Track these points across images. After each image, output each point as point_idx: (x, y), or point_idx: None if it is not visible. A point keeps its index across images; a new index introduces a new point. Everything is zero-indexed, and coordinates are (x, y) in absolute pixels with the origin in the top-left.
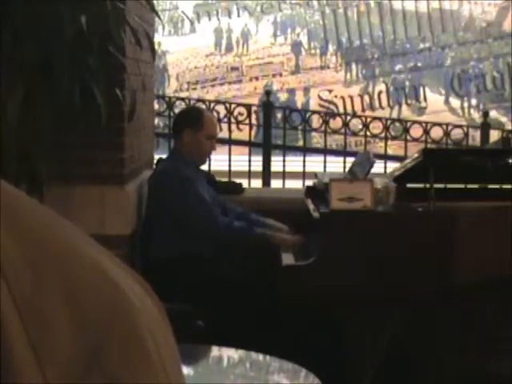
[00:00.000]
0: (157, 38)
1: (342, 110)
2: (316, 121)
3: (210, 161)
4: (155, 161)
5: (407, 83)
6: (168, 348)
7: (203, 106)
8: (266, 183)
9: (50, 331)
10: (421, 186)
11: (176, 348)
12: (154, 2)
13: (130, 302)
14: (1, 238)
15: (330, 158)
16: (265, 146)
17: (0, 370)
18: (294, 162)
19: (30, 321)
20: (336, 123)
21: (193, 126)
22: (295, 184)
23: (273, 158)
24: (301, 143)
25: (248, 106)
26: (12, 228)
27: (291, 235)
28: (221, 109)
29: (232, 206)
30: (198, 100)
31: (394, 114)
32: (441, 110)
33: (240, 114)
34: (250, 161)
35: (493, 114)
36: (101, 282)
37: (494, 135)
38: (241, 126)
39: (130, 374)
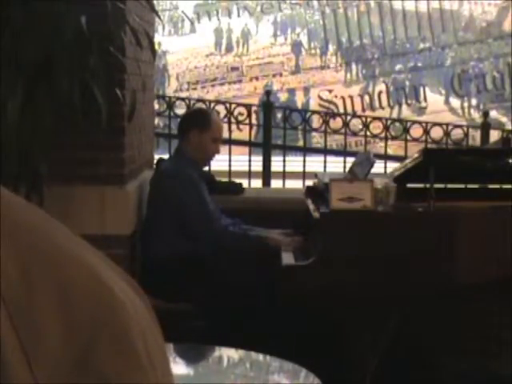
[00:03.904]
0: (157, 38)
1: (342, 110)
2: (316, 121)
3: (211, 162)
4: (155, 161)
5: (407, 83)
6: (157, 348)
7: (203, 106)
8: (266, 183)
9: (41, 333)
10: (421, 185)
11: (164, 347)
12: (154, 2)
13: (120, 303)
14: None
15: (330, 158)
16: (265, 146)
17: None
18: (294, 162)
19: (20, 323)
20: (336, 123)
21: (200, 126)
22: (295, 184)
23: (273, 158)
24: (301, 143)
25: (248, 106)
26: (2, 229)
27: (286, 237)
28: (221, 109)
29: (223, 216)
30: (198, 100)
31: (394, 114)
32: (441, 109)
33: (240, 114)
34: (250, 161)
35: (493, 114)
36: (92, 284)
37: (494, 135)
38: (241, 126)
39: (120, 374)
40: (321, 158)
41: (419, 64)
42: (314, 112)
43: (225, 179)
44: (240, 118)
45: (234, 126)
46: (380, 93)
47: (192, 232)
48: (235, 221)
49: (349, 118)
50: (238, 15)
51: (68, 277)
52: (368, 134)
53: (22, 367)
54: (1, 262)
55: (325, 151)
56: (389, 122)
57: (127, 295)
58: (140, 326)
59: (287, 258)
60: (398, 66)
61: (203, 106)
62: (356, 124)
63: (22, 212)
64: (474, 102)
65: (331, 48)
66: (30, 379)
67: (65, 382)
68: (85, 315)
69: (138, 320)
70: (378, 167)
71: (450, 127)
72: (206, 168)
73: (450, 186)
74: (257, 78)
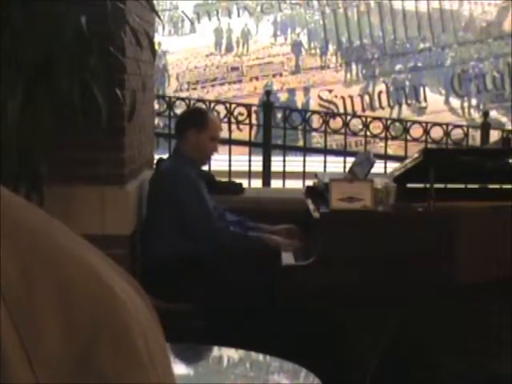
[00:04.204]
0: (157, 38)
1: (342, 110)
2: (316, 121)
3: (210, 161)
4: (155, 161)
5: (407, 83)
6: (159, 348)
7: (203, 106)
8: (266, 183)
9: (41, 332)
10: (421, 185)
11: (166, 347)
12: (154, 2)
13: (121, 302)
14: None
15: (330, 158)
16: (265, 146)
17: None
18: (294, 162)
19: (20, 321)
20: (336, 123)
21: (197, 125)
22: (295, 184)
23: (273, 158)
24: (301, 143)
25: (248, 106)
26: (2, 229)
27: (286, 240)
28: (221, 109)
29: (228, 213)
30: (198, 100)
31: (394, 114)
32: (441, 109)
33: (240, 114)
34: (250, 161)
35: (493, 114)
36: (93, 283)
37: (494, 135)
38: (241, 126)
39: (121, 374)
40: (321, 158)
41: (419, 64)
42: (314, 112)
43: (225, 179)
44: (240, 118)
45: (234, 126)
46: (380, 93)
47: (192, 231)
48: (240, 218)
49: (349, 117)
50: (238, 15)
51: (68, 276)
52: (368, 133)
53: (23, 366)
54: (1, 261)
55: (325, 151)
56: (389, 122)
57: (128, 295)
58: (141, 326)
59: (287, 258)
60: (398, 66)
61: (203, 106)
62: (356, 124)
63: (23, 212)
64: (474, 102)
65: (331, 48)
66: (31, 378)
67: (65, 381)
68: (85, 315)
69: (139, 320)
70: (378, 167)
71: (450, 127)
72: (206, 168)
73: (450, 186)
74: (257, 78)
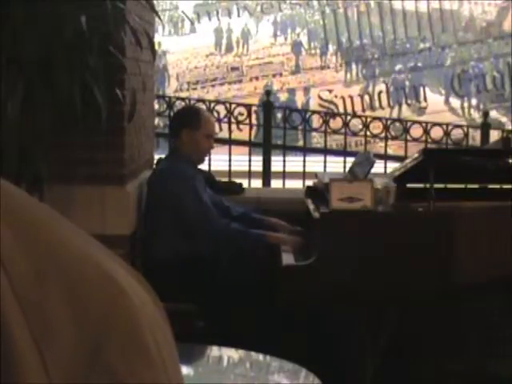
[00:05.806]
0: (157, 38)
1: (342, 110)
2: (316, 121)
3: (209, 161)
4: (155, 161)
5: (407, 83)
6: (167, 345)
7: (203, 106)
8: (266, 183)
9: (52, 326)
10: (421, 185)
11: (174, 345)
12: (154, 2)
13: (129, 299)
14: (0, 232)
15: (330, 158)
16: (265, 146)
17: (1, 361)
18: (294, 162)
19: (31, 314)
20: (336, 123)
21: (191, 125)
22: (295, 184)
23: (273, 158)
24: (301, 143)
25: (248, 106)
26: (12, 222)
27: (289, 236)
28: (221, 109)
29: (233, 205)
30: (198, 100)
31: (394, 114)
32: (441, 110)
33: (240, 114)
34: (250, 161)
35: (493, 114)
36: (101, 279)
37: (494, 135)
38: (241, 126)
39: (131, 371)
40: (321, 157)
41: (419, 64)
42: (314, 112)
43: (225, 179)
44: (240, 118)
45: (234, 126)
46: (380, 93)
47: (191, 231)
48: (247, 209)
49: (349, 117)
50: (238, 15)
51: (79, 274)
52: (368, 133)
53: (37, 365)
54: (12, 255)
55: (325, 151)
56: (389, 122)
57: (136, 292)
58: (149, 323)
59: (287, 258)
60: (398, 66)
61: (203, 106)
62: (356, 124)
63: (32, 209)
64: (474, 102)
65: (331, 48)
66: (45, 378)
67: (76, 377)
68: (95, 312)
69: (147, 317)
70: (378, 167)
71: (450, 127)
72: (206, 168)
73: (449, 186)
74: (257, 78)
